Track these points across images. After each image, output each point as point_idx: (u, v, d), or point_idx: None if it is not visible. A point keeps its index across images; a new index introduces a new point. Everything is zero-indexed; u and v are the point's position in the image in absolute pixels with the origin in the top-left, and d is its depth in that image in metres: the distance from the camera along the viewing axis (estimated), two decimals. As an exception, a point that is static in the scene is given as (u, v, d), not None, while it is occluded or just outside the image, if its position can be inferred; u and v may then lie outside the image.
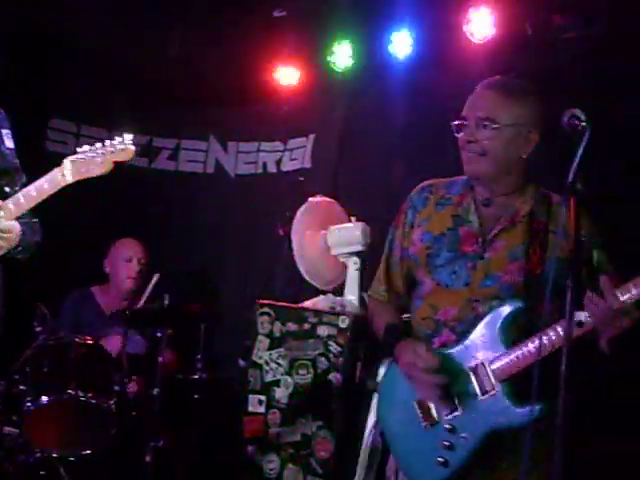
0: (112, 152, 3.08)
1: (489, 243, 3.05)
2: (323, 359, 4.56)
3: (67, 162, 3.09)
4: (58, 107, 6.40)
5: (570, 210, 2.58)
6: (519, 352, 2.85)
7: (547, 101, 3.05)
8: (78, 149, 3.14)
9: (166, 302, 5.07)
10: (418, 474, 3.04)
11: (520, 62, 5.01)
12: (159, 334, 5.08)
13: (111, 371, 4.75)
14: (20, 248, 3.26)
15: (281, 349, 4.74)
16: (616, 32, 4.71)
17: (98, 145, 3.12)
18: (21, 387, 4.52)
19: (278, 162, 6.44)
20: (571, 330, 2.48)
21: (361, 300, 4.93)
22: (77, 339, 4.76)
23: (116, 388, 4.70)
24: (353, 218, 5.14)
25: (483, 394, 2.93)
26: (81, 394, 4.53)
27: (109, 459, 4.81)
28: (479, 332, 2.96)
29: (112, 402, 4.61)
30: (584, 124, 2.63)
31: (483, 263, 3.03)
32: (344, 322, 4.52)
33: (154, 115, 6.61)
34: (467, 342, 2.99)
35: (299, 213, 5.11)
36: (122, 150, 3.08)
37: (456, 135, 3.05)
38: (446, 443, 2.94)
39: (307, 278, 5.10)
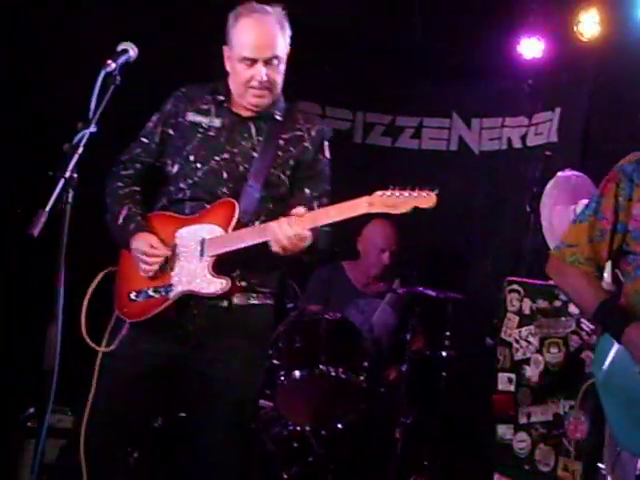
0: (415, 197, 3.17)
1: None
2: (575, 337, 4.45)
3: (376, 195, 3.21)
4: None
5: None
6: None
7: None
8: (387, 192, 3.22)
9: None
10: None
11: None
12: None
13: (361, 347, 4.81)
14: (309, 254, 3.38)
15: (531, 327, 4.67)
16: None
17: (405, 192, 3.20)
18: (274, 361, 4.65)
19: (523, 137, 6.31)
20: None
21: (614, 276, 4.76)
22: (327, 315, 4.84)
23: (365, 364, 4.75)
24: (604, 192, 4.96)
25: None
26: (332, 369, 4.60)
27: (359, 433, 4.91)
28: None
29: (362, 378, 4.67)
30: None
31: None
32: (597, 299, 4.37)
33: (397, 94, 6.64)
34: None
35: (548, 187, 5.00)
36: (425, 198, 3.16)
37: None
38: None
39: (557, 254, 4.98)
